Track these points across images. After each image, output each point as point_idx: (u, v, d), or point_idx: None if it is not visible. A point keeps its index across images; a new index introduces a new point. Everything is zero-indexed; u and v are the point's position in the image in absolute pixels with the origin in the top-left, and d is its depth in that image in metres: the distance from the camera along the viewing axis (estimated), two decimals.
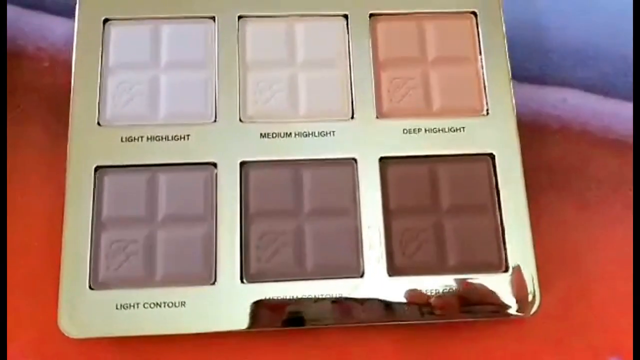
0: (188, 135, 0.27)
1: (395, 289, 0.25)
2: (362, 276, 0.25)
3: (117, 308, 0.24)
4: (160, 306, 0.24)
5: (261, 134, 0.27)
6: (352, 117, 0.27)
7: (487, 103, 0.28)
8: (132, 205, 0.26)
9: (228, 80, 0.27)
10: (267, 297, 0.25)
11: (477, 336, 0.26)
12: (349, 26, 0.28)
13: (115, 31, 0.28)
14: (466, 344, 0.26)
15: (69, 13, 0.29)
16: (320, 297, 0.25)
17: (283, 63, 0.28)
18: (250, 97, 0.27)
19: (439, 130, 0.27)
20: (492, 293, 0.25)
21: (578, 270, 0.28)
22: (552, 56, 0.31)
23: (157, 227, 0.26)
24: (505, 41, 0.28)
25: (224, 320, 0.25)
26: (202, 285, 0.25)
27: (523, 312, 0.25)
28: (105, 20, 0.28)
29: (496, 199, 0.26)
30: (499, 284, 0.25)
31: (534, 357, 0.26)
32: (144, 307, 0.24)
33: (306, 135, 0.27)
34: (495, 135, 0.27)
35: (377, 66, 0.28)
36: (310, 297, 0.25)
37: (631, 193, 0.29)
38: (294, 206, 0.26)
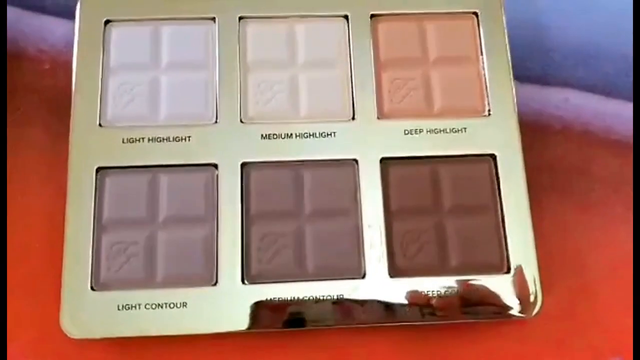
0: (189, 137, 0.27)
1: (396, 290, 0.25)
2: (363, 277, 0.25)
3: (118, 309, 0.24)
4: (161, 307, 0.24)
5: (262, 135, 0.27)
6: (353, 118, 0.27)
7: (488, 103, 0.28)
8: (133, 206, 0.26)
9: (229, 81, 0.27)
10: (268, 298, 0.25)
11: (479, 337, 0.26)
12: (350, 27, 0.28)
13: (116, 32, 0.28)
14: (468, 345, 0.26)
15: (69, 14, 0.29)
16: (321, 298, 0.25)
17: (284, 64, 0.28)
18: (251, 98, 0.27)
19: (440, 131, 0.27)
20: (494, 294, 0.25)
21: (580, 271, 0.28)
22: (554, 56, 0.31)
23: (158, 228, 0.26)
24: (507, 41, 0.28)
25: (225, 321, 0.25)
26: (203, 287, 0.25)
27: (525, 313, 0.25)
28: (106, 22, 0.28)
29: (498, 199, 0.26)
30: (500, 285, 0.25)
31: (535, 358, 0.26)
32: (145, 307, 0.24)
33: (307, 136, 0.27)
34: (497, 136, 0.27)
35: (378, 67, 0.28)
36: (311, 298, 0.25)
37: (633, 193, 0.29)
38: (294, 207, 0.26)
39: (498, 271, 0.26)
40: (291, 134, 0.27)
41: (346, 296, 0.25)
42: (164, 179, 0.26)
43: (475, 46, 0.29)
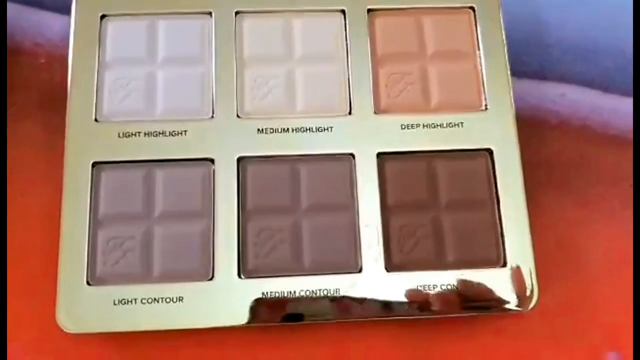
0: (185, 131, 0.27)
1: (392, 285, 0.25)
2: (359, 272, 0.25)
3: (114, 303, 0.24)
4: (157, 302, 0.24)
5: (258, 130, 0.27)
6: (350, 113, 0.27)
7: (485, 98, 0.28)
8: (129, 201, 0.26)
9: (225, 76, 0.27)
10: (265, 293, 0.25)
11: (476, 332, 0.26)
12: (347, 21, 0.28)
13: (112, 27, 0.28)
14: (465, 339, 0.26)
15: (65, 9, 0.29)
16: (317, 292, 0.25)
17: (280, 59, 0.28)
18: (248, 93, 0.27)
19: (437, 126, 0.27)
20: (490, 288, 0.25)
21: (577, 267, 0.28)
22: (552, 51, 0.31)
23: (154, 223, 0.26)
24: (504, 36, 0.28)
25: (221, 316, 0.25)
26: (200, 281, 0.25)
27: (521, 307, 0.25)
28: (102, 16, 0.28)
29: (494, 194, 0.26)
30: (497, 279, 0.25)
31: (532, 353, 0.26)
32: (141, 302, 0.24)
33: (304, 130, 0.27)
34: (494, 131, 0.27)
35: (375, 61, 0.28)
36: (307, 292, 0.25)
37: (631, 189, 0.29)
38: (291, 202, 0.26)
39: (495, 265, 0.26)
40: (288, 129, 0.27)
41: (343, 291, 0.25)
42: (160, 173, 0.26)
43: (472, 41, 0.28)
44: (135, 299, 0.24)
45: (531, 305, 0.25)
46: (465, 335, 0.26)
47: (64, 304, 0.24)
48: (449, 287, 0.25)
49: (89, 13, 0.28)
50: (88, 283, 0.25)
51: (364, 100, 0.27)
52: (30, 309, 0.26)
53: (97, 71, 0.27)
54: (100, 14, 0.28)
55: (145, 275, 0.25)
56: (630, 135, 0.30)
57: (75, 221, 0.25)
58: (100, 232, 0.25)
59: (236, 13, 0.28)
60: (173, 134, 0.26)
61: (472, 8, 0.29)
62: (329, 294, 0.25)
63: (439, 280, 0.25)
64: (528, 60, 0.31)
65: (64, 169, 0.26)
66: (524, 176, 0.26)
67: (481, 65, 0.28)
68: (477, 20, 0.29)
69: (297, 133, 0.27)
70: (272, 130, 0.27)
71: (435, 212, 0.26)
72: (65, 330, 0.24)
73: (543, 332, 0.27)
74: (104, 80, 0.27)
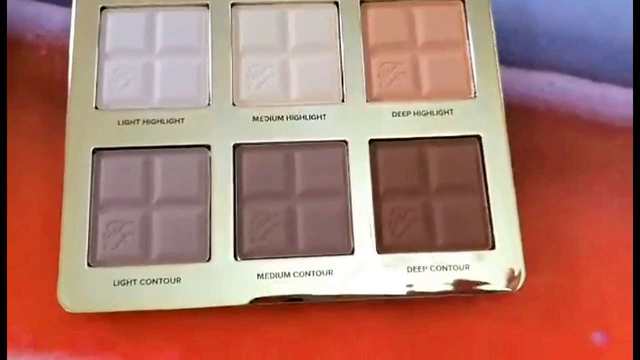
0: (182, 119, 0.27)
1: (384, 267, 0.26)
2: (352, 253, 0.26)
3: (114, 284, 0.25)
4: (156, 282, 0.25)
5: (254, 117, 0.27)
6: (343, 101, 0.28)
7: (474, 86, 0.28)
8: (128, 187, 0.26)
9: (221, 66, 0.28)
10: (260, 274, 0.25)
11: (464, 312, 0.27)
12: (340, 13, 0.29)
13: (111, 18, 0.29)
14: (454, 320, 0.27)
15: (66, 1, 0.29)
16: (311, 274, 0.26)
17: (275, 49, 0.29)
18: (243, 82, 0.28)
19: (427, 113, 0.28)
20: (480, 269, 0.26)
21: (565, 251, 0.28)
22: (540, 40, 0.32)
23: (152, 208, 0.26)
24: (493, 26, 0.29)
25: (217, 296, 0.25)
26: (197, 263, 0.26)
27: (510, 288, 0.26)
28: (102, 8, 0.29)
29: (483, 179, 0.27)
30: (486, 261, 0.26)
31: (520, 333, 0.27)
32: (140, 283, 0.25)
33: (298, 118, 0.28)
34: (482, 118, 0.28)
35: (367, 51, 0.29)
36: (302, 274, 0.26)
37: (618, 175, 0.30)
38: (285, 187, 0.27)
39: (483, 247, 0.26)
40: (282, 117, 0.28)
41: (335, 272, 0.26)
42: (158, 160, 0.27)
43: (462, 31, 0.29)
44: (134, 280, 0.25)
45: (519, 285, 0.26)
46: (455, 316, 0.27)
47: (65, 285, 0.25)
48: (439, 268, 0.26)
49: (89, 5, 0.29)
50: (89, 265, 0.25)
51: (356, 89, 0.28)
52: (32, 290, 0.27)
53: (97, 61, 0.28)
54: (100, 6, 0.29)
55: (144, 258, 0.26)
56: (618, 123, 0.30)
57: (76, 206, 0.26)
58: (101, 216, 0.26)
59: (232, 5, 0.29)
60: (171, 121, 0.27)
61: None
62: (322, 275, 0.26)
63: (429, 262, 0.26)
64: (517, 50, 0.31)
65: (66, 156, 0.26)
66: (513, 164, 0.27)
67: (470, 55, 0.29)
68: (467, 10, 0.29)
69: (292, 121, 0.27)
70: (267, 118, 0.27)
71: (425, 197, 0.27)
72: (66, 310, 0.25)
73: (531, 313, 0.27)
74: (103, 70, 0.28)
